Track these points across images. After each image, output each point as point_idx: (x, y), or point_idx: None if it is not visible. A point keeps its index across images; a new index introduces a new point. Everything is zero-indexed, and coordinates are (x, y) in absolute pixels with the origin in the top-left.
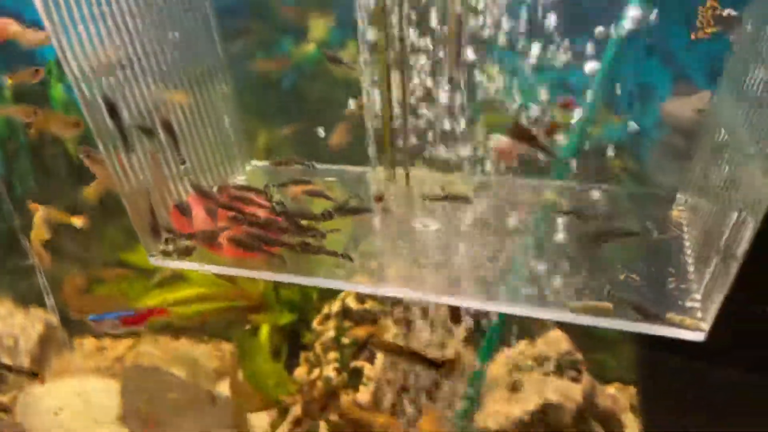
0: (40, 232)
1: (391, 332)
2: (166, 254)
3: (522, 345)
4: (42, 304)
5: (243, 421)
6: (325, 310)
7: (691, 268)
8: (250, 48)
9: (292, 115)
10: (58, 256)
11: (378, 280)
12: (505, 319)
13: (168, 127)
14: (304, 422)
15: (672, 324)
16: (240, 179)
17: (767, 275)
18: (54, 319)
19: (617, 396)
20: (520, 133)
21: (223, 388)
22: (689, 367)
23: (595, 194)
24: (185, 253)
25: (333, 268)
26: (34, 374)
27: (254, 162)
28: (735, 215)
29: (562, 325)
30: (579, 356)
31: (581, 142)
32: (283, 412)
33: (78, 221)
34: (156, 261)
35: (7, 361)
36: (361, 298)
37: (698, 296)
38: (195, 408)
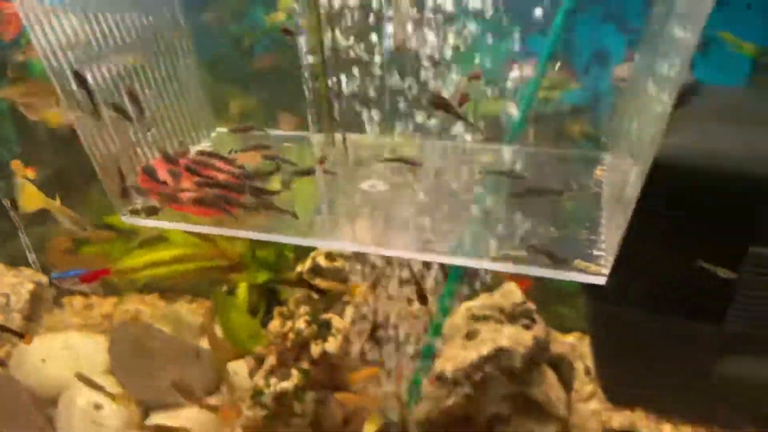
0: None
1: (361, 288)
2: (134, 213)
3: (481, 298)
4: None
5: (224, 371)
6: (298, 268)
7: (603, 221)
8: (221, 17)
9: (261, 84)
10: (44, 219)
11: (336, 236)
12: (462, 274)
13: (134, 97)
14: (278, 370)
15: (578, 269)
16: (206, 145)
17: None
18: (44, 278)
19: (575, 344)
20: (438, 103)
21: (206, 343)
22: (633, 315)
23: (542, 157)
24: (152, 212)
25: (296, 226)
26: (21, 335)
27: (219, 129)
28: (629, 165)
29: (516, 278)
30: (532, 306)
31: (529, 108)
32: (260, 361)
33: (30, 173)
34: (126, 219)
35: None
36: (331, 256)
37: (603, 245)
38: (180, 361)
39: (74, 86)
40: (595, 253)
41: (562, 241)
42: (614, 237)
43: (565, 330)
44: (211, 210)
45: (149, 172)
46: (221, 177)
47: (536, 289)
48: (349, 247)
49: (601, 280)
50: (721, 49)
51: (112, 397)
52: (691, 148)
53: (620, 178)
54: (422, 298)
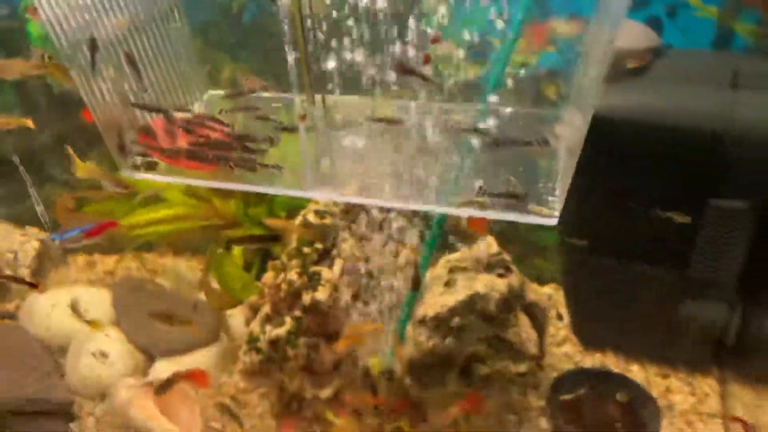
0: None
1: (348, 243)
2: (134, 167)
3: (461, 252)
4: (36, 224)
5: (223, 321)
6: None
7: (557, 171)
8: None
9: (250, 48)
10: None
11: (318, 188)
12: (443, 227)
13: (131, 60)
14: (272, 318)
15: (533, 213)
16: (198, 106)
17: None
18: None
19: (552, 294)
20: (402, 68)
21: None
22: (603, 264)
23: (515, 116)
24: (150, 167)
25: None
26: (33, 285)
27: (211, 91)
28: (574, 116)
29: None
30: (507, 257)
31: (503, 70)
32: (255, 311)
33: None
34: (127, 173)
35: (8, 273)
36: (320, 214)
37: (556, 192)
38: (180, 313)
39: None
40: (549, 198)
41: (522, 188)
42: (565, 184)
43: (543, 282)
44: (204, 165)
45: (146, 130)
46: (213, 135)
47: (516, 244)
48: (330, 197)
49: (553, 222)
50: (688, 13)
51: (90, 324)
52: (657, 108)
53: (570, 131)
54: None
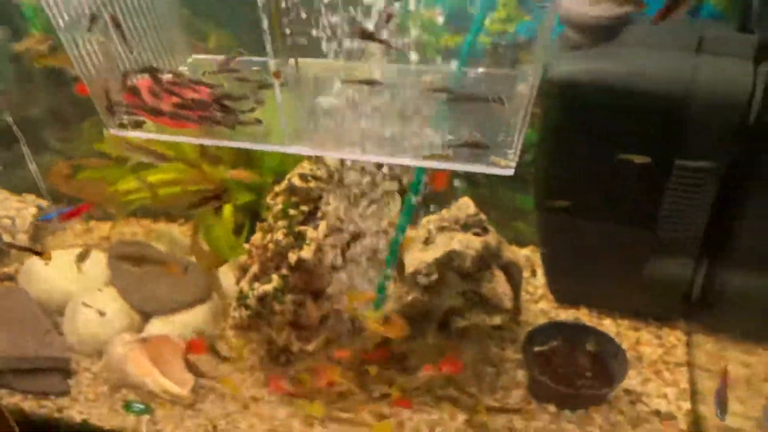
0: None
1: (333, 206)
2: (122, 126)
3: (441, 213)
4: (33, 191)
5: (215, 281)
6: (276, 188)
7: (516, 126)
8: None
9: (236, 15)
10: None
11: (295, 143)
12: (419, 189)
13: (116, 23)
14: (261, 277)
15: (492, 164)
16: (182, 69)
17: None
18: (45, 203)
19: (530, 255)
20: (361, 33)
21: None
22: (576, 224)
23: (485, 77)
24: (137, 125)
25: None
26: (39, 253)
27: (195, 56)
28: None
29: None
30: (483, 217)
31: (476, 36)
32: (245, 271)
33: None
34: (115, 132)
35: (6, 238)
36: (305, 178)
37: (514, 145)
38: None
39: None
40: (508, 151)
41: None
42: (521, 138)
43: (523, 244)
44: (187, 123)
45: (132, 90)
46: (196, 95)
47: (497, 208)
48: (305, 152)
49: (509, 172)
50: None
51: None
52: (625, 73)
53: (526, 88)
54: None
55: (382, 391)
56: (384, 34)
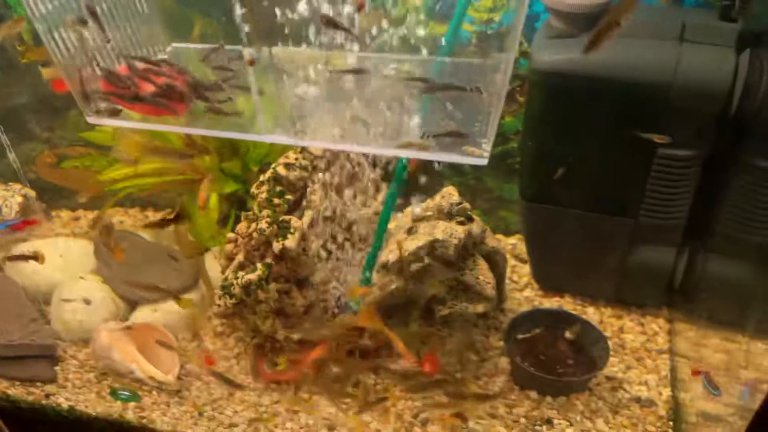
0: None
1: (317, 195)
2: (98, 113)
3: (425, 202)
4: (18, 180)
5: (201, 270)
6: (261, 177)
7: (491, 116)
8: None
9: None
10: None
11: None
12: (403, 179)
13: (92, 12)
14: (246, 266)
15: (467, 154)
16: (162, 57)
17: None
18: (31, 192)
19: (516, 243)
20: (326, 21)
21: None
22: (560, 213)
23: (467, 67)
24: (114, 113)
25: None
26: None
27: (174, 44)
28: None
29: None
30: (467, 206)
31: (458, 26)
32: (230, 260)
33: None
34: (91, 120)
35: None
36: (290, 167)
37: (488, 134)
38: (160, 263)
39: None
40: (482, 140)
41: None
42: (494, 127)
43: (509, 233)
44: (162, 111)
45: (109, 78)
46: (175, 83)
47: (484, 198)
48: (282, 141)
49: (483, 162)
50: None
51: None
52: (608, 61)
53: (499, 77)
54: None
55: (366, 379)
56: (353, 22)
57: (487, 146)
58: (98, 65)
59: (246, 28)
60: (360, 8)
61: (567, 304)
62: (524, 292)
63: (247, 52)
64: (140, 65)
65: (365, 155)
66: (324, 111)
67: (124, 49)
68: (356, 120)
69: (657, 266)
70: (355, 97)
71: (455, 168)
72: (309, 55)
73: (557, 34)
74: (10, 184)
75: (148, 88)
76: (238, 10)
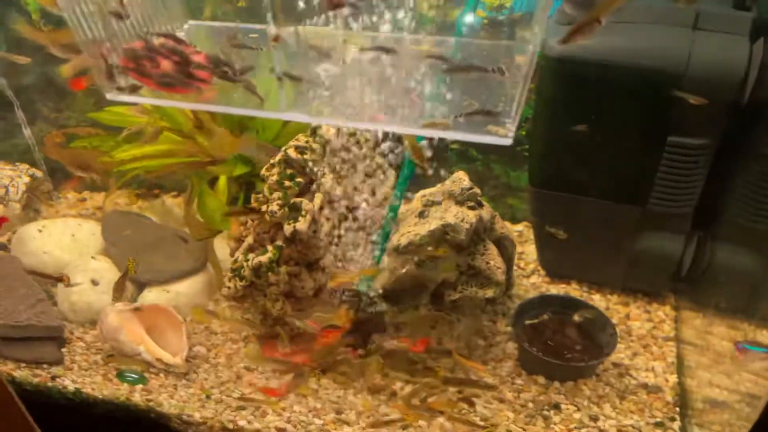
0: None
1: (328, 178)
2: (119, 90)
3: (436, 187)
4: (25, 160)
5: (210, 252)
6: (271, 160)
7: (515, 97)
8: None
9: None
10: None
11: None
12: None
13: None
14: (256, 248)
15: (491, 133)
16: (180, 35)
17: None
18: (38, 173)
19: (523, 231)
20: (331, 3)
21: None
22: (569, 200)
23: (484, 48)
24: (134, 89)
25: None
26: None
27: (191, 21)
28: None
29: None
30: (478, 191)
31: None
32: (240, 242)
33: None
34: (112, 96)
35: None
36: (300, 150)
37: (513, 115)
38: (167, 245)
39: None
40: (506, 121)
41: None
42: (519, 108)
43: (516, 220)
44: (182, 90)
45: (130, 55)
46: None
47: (492, 185)
48: (302, 119)
49: (507, 142)
50: None
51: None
52: (621, 48)
53: (525, 60)
54: None
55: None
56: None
57: (511, 126)
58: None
59: (270, 6)
60: None
61: (573, 290)
62: (531, 279)
63: (272, 28)
64: (161, 42)
65: (375, 139)
66: (345, 90)
67: (143, 26)
68: (377, 99)
69: (665, 254)
70: (377, 77)
71: (463, 154)
72: (328, 33)
73: (570, 20)
74: (17, 164)
75: (168, 66)
76: None
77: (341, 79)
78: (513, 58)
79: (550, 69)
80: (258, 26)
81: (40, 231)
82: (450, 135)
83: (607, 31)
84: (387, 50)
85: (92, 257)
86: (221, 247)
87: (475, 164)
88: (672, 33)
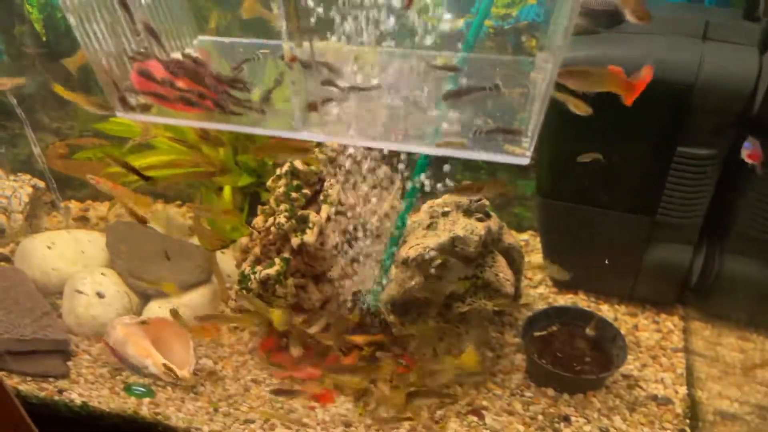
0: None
1: (335, 189)
2: (130, 109)
3: (443, 197)
4: (27, 170)
5: (214, 264)
6: (278, 171)
7: (531, 114)
8: None
9: None
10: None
11: (306, 129)
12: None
13: (124, 4)
14: (263, 260)
15: (507, 152)
16: (189, 51)
17: None
18: (40, 183)
19: (529, 240)
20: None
21: (196, 240)
22: (576, 210)
23: (493, 63)
24: (145, 108)
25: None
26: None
27: (201, 37)
28: (546, 63)
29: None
30: (486, 202)
31: (483, 21)
32: (246, 254)
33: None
34: (122, 115)
35: (2, 217)
36: (306, 161)
37: (529, 133)
38: (172, 256)
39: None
40: (524, 140)
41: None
42: (537, 126)
43: (522, 229)
44: (195, 108)
45: (143, 74)
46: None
47: (498, 194)
48: (317, 138)
49: (525, 161)
50: None
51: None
52: (630, 58)
53: (542, 77)
54: None
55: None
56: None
57: (528, 145)
58: (132, 58)
59: (285, 24)
60: (408, 5)
61: (581, 301)
62: (538, 289)
63: (287, 46)
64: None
65: (380, 150)
66: (358, 108)
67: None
68: (391, 117)
69: (673, 264)
70: (391, 95)
71: (467, 163)
72: (338, 49)
73: (579, 30)
74: (19, 174)
75: (186, 85)
76: (278, 2)
77: (354, 97)
78: (526, 74)
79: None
80: (269, 42)
81: (49, 248)
82: (466, 155)
83: (616, 42)
84: (452, 69)
85: (102, 273)
86: (226, 259)
87: (480, 173)
88: (682, 43)
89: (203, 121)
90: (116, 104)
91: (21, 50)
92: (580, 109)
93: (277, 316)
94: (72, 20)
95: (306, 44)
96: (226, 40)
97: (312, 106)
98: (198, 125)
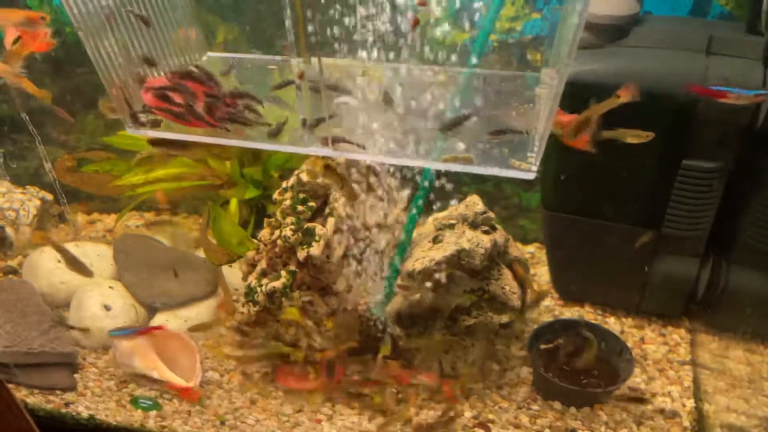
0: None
1: (340, 202)
2: (140, 125)
3: (448, 210)
4: (35, 183)
5: (221, 276)
6: (284, 184)
7: (537, 129)
8: None
9: (249, 13)
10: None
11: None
12: (429, 187)
13: (144, 20)
14: (269, 273)
15: (513, 167)
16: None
17: None
18: (48, 195)
19: (535, 252)
20: None
21: (202, 252)
22: (582, 223)
23: (497, 78)
24: (155, 124)
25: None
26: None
27: (209, 53)
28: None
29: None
30: (492, 215)
31: (487, 36)
32: (252, 267)
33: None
34: (132, 131)
35: (10, 230)
36: (313, 173)
37: (535, 148)
38: (179, 269)
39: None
40: (529, 154)
41: (503, 144)
42: (542, 141)
43: (527, 241)
44: (204, 124)
45: (155, 92)
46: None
47: (502, 205)
48: (326, 153)
49: (531, 176)
50: None
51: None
52: (634, 72)
53: (548, 92)
54: None
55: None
56: (410, 38)
57: (533, 160)
58: (143, 77)
59: (294, 40)
60: (414, 24)
61: (587, 313)
62: (544, 302)
63: (297, 63)
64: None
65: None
66: (364, 123)
67: (162, 58)
68: (398, 132)
69: (679, 277)
70: (397, 109)
71: (473, 174)
72: (345, 64)
73: (583, 45)
74: (27, 187)
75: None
76: (287, 18)
77: (362, 112)
78: (530, 89)
79: (564, 93)
80: (276, 58)
81: (59, 261)
82: (473, 169)
83: (620, 56)
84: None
85: (110, 287)
86: (233, 272)
87: (485, 185)
88: (686, 58)
89: (211, 136)
90: (127, 121)
91: (27, 62)
92: (641, 137)
93: (292, 312)
94: (83, 38)
95: (314, 60)
96: (236, 56)
97: (319, 121)
98: (208, 140)
